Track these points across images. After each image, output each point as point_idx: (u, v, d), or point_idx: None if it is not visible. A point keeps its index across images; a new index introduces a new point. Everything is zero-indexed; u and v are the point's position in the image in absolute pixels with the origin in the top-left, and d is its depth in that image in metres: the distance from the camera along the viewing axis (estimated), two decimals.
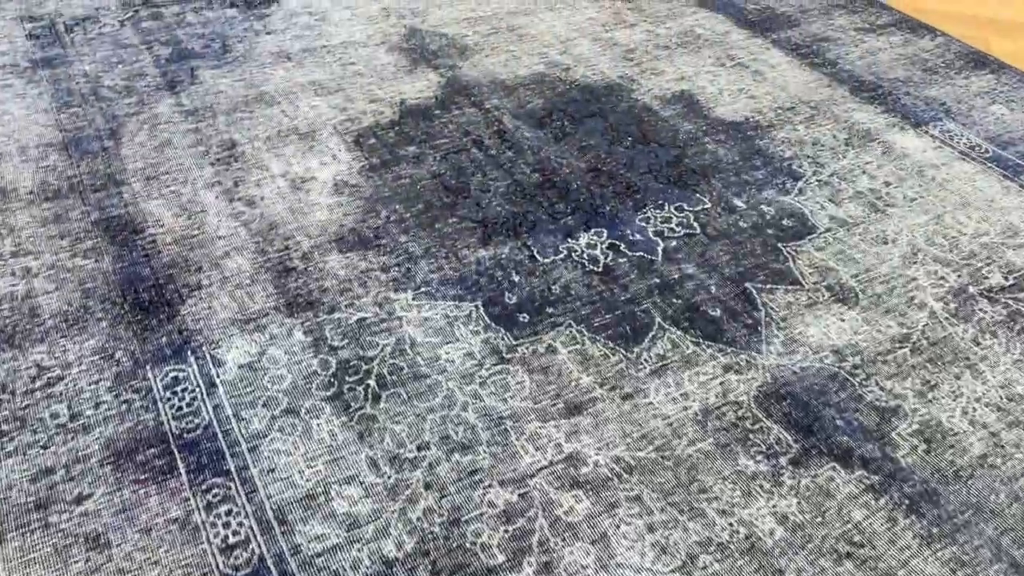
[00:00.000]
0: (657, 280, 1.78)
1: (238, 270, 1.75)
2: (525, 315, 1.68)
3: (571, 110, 2.30)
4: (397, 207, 1.94)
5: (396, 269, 1.77)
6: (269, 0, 2.76)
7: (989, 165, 2.15)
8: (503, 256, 1.82)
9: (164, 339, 1.60)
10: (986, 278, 1.82)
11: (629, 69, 2.50)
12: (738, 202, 2.00)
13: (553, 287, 1.75)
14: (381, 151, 2.12)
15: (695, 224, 1.93)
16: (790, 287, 1.77)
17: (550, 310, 1.70)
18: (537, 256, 1.82)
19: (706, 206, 1.98)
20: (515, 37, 2.63)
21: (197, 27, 2.60)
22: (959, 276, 1.82)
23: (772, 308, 1.72)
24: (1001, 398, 1.55)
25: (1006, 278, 1.82)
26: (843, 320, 1.70)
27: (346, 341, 1.61)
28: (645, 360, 1.60)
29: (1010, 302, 1.76)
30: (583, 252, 1.84)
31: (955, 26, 2.80)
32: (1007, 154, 2.20)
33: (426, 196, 1.98)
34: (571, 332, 1.65)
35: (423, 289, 1.73)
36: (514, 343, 1.62)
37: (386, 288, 1.73)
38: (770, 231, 1.92)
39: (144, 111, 2.21)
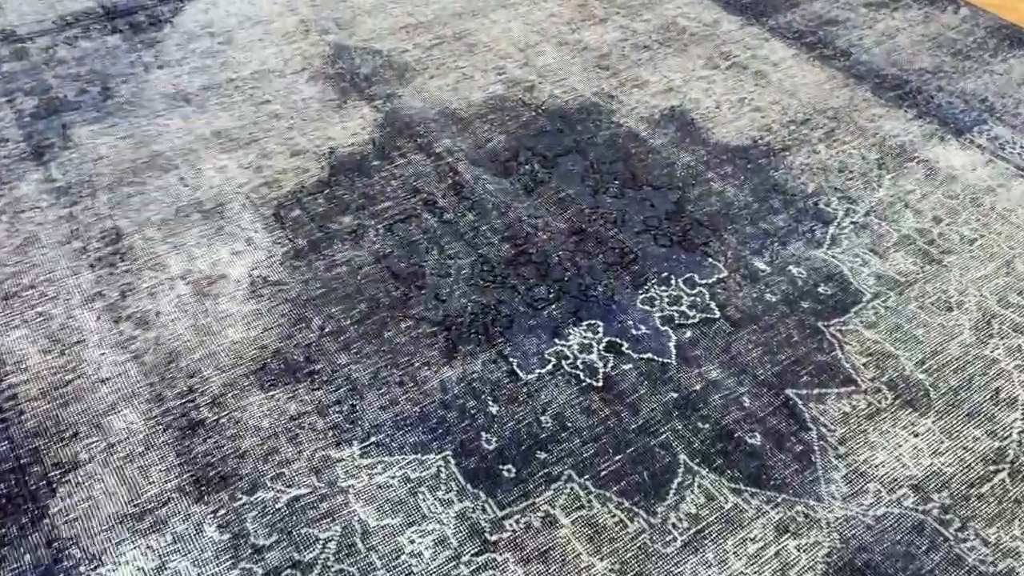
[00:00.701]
0: (674, 394, 1.38)
1: (128, 431, 1.32)
2: (510, 467, 1.28)
3: (541, 147, 1.86)
4: (333, 311, 1.52)
5: (336, 410, 1.36)
6: (160, 20, 2.26)
7: None
8: (475, 375, 1.41)
9: (27, 557, 1.18)
10: None
11: (606, 82, 2.06)
12: (760, 264, 1.60)
13: (543, 417, 1.35)
14: (308, 227, 1.68)
15: (712, 303, 1.52)
16: (843, 390, 1.38)
17: (542, 455, 1.30)
18: (518, 371, 1.41)
19: (722, 274, 1.58)
20: (464, 48, 2.17)
21: (71, 65, 2.10)
22: None
23: (825, 425, 1.33)
24: None
25: None
26: (916, 435, 1.32)
27: (275, 537, 1.20)
28: (674, 525, 1.21)
29: None
30: (576, 359, 1.43)
31: None
32: None
33: (369, 290, 1.55)
34: (572, 489, 1.25)
35: (373, 438, 1.32)
36: (500, 515, 1.22)
37: (325, 442, 1.31)
38: (805, 304, 1.52)
39: (3, 194, 1.74)
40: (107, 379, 1.40)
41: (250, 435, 1.32)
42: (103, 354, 1.44)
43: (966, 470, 1.28)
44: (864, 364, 1.42)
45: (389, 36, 2.22)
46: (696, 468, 1.28)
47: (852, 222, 1.68)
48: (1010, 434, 1.33)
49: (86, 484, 1.26)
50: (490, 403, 1.37)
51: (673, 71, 2.09)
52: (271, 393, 1.38)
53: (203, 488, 1.25)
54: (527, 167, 1.81)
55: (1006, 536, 1.20)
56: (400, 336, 1.47)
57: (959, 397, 1.38)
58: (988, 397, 1.38)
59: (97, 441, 1.31)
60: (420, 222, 1.69)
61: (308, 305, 1.53)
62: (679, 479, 1.27)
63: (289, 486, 1.26)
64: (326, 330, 1.49)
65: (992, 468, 1.28)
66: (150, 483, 1.26)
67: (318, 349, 1.45)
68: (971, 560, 1.17)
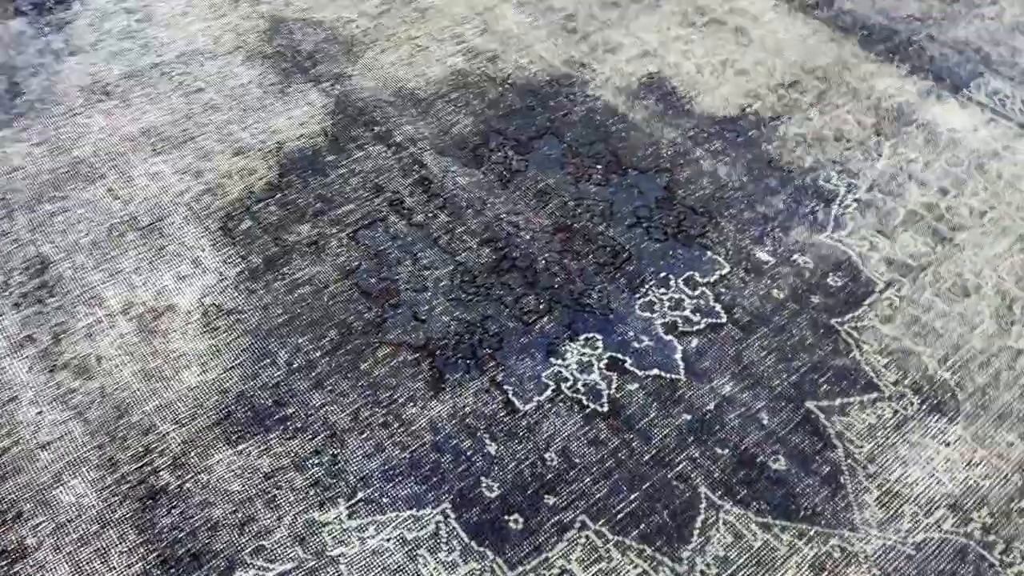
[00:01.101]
0: (687, 416, 1.26)
1: (78, 507, 1.16)
2: (517, 517, 1.16)
3: (513, 129, 1.69)
4: (300, 341, 1.35)
5: (315, 462, 1.21)
6: None
7: None
8: (467, 409, 1.27)
9: None
10: None
11: (575, 48, 1.88)
12: (763, 254, 1.47)
13: (547, 454, 1.22)
14: (262, 240, 1.49)
15: (716, 306, 1.40)
16: (865, 397, 1.28)
17: (550, 500, 1.18)
18: (515, 400, 1.28)
19: (724, 270, 1.45)
20: (415, 14, 1.96)
21: None
22: None
23: (851, 441, 1.23)
24: None
25: None
26: (948, 444, 1.23)
27: None
28: (702, 572, 1.10)
29: None
30: (576, 381, 1.30)
31: None
32: None
33: (339, 312, 1.39)
34: (588, 538, 1.13)
35: (361, 494, 1.18)
36: None
37: (307, 503, 1.17)
38: (816, 299, 1.41)
39: None
40: (48, 443, 1.23)
41: (221, 501, 1.17)
42: (40, 412, 1.26)
43: (1003, 482, 1.19)
44: (885, 366, 1.32)
45: (330, 3, 1.99)
46: (719, 502, 1.17)
47: (855, 199, 1.56)
48: None
49: None
50: (487, 441, 1.23)
51: (647, 31, 1.92)
52: (240, 447, 1.23)
53: (172, 571, 1.10)
54: (500, 154, 1.64)
55: None
56: (378, 367, 1.32)
57: (987, 396, 1.29)
58: (1018, 395, 1.29)
59: (45, 522, 1.15)
60: (387, 227, 1.52)
61: (271, 336, 1.36)
62: (702, 516, 1.16)
63: (272, 561, 1.11)
64: (294, 365, 1.32)
65: None
66: (110, 570, 1.11)
67: (287, 389, 1.30)
68: None
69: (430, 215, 1.53)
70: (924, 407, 1.27)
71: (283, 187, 1.58)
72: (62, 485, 1.18)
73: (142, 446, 1.23)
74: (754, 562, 1.12)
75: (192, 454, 1.22)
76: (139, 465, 1.21)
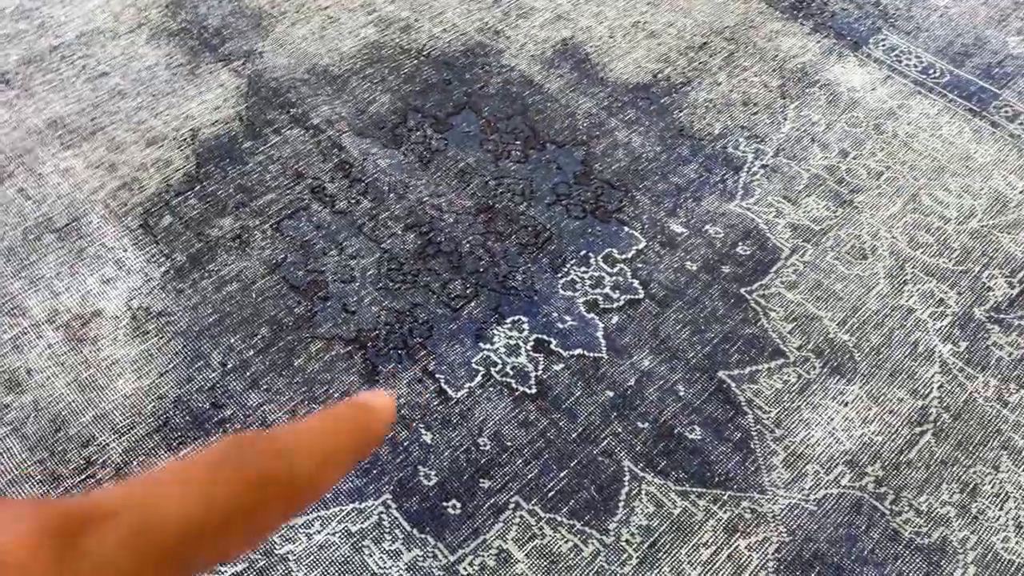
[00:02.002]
0: (610, 393, 1.34)
1: None
2: (455, 502, 1.23)
3: (430, 105, 1.70)
4: (232, 341, 1.38)
5: None
6: None
7: (950, 96, 1.75)
8: (401, 401, 1.32)
9: None
10: (989, 289, 1.48)
11: (488, 12, 1.87)
12: (676, 226, 1.54)
13: (480, 439, 1.29)
14: (185, 236, 1.49)
15: (634, 281, 1.47)
16: (772, 364, 1.38)
17: (485, 483, 1.25)
18: (447, 388, 1.34)
19: (640, 244, 1.52)
20: None
21: None
22: (959, 294, 1.47)
23: (760, 407, 1.34)
24: None
25: (1011, 284, 1.49)
26: (846, 404, 1.35)
27: None
28: (627, 541, 1.21)
29: None
30: (505, 365, 1.36)
31: None
32: (965, 73, 1.79)
33: (268, 309, 1.42)
34: (522, 517, 1.22)
35: None
36: (452, 559, 1.19)
37: None
38: (726, 269, 1.49)
39: None
40: None
41: None
42: None
43: (894, 436, 1.32)
44: (790, 331, 1.42)
45: None
46: (640, 474, 1.27)
47: (762, 165, 1.63)
48: (931, 390, 1.36)
49: None
50: (423, 431, 1.30)
51: None
52: (181, 453, 1.26)
53: None
54: (419, 133, 1.65)
55: (936, 504, 1.25)
56: (312, 362, 1.36)
57: (881, 356, 1.40)
58: (908, 352, 1.40)
59: None
60: (310, 216, 1.53)
61: (203, 337, 1.38)
62: (626, 488, 1.25)
63: (222, 564, 1.17)
64: (228, 366, 1.35)
65: (918, 430, 1.32)
66: None
67: (224, 391, 1.33)
68: (908, 533, 1.22)
69: (353, 201, 1.55)
70: (825, 370, 1.38)
71: (201, 178, 1.57)
72: None
73: (83, 458, 1.25)
74: (674, 528, 1.22)
75: (134, 463, 1.25)
76: (82, 478, 1.23)
